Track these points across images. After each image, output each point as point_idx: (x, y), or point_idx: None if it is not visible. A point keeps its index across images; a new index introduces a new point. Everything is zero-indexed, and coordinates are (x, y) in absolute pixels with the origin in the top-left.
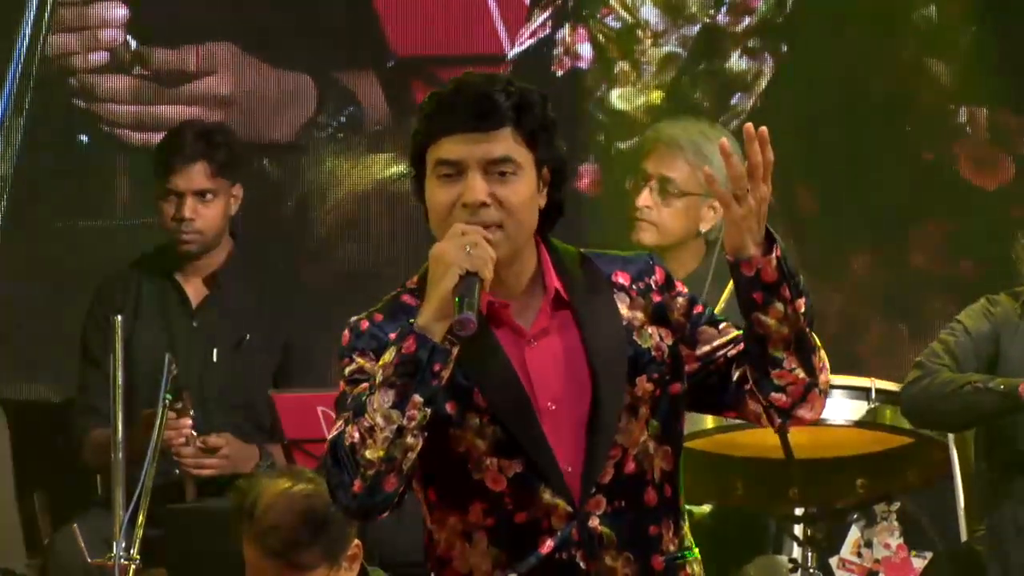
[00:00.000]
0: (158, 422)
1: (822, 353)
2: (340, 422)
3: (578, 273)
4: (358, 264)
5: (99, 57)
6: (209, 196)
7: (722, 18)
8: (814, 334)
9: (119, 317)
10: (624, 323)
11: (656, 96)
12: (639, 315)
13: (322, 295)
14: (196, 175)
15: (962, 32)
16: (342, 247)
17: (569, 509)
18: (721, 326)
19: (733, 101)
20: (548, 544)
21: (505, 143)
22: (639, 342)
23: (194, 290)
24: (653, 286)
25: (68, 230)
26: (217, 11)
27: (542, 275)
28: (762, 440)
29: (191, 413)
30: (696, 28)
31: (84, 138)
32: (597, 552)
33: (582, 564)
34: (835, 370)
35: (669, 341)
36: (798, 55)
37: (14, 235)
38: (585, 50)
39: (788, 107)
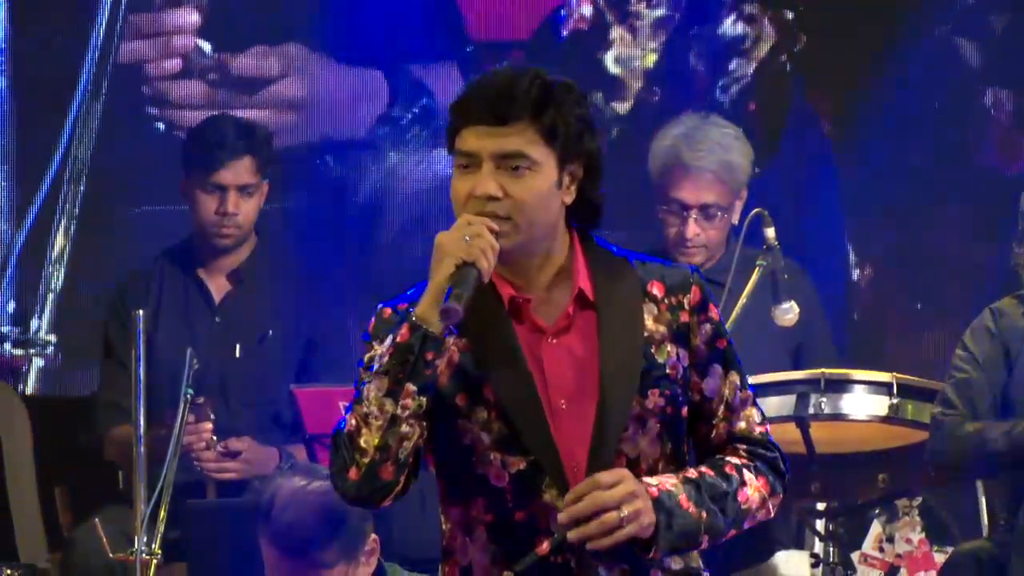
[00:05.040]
0: (180, 416)
1: (755, 491)
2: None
3: (613, 276)
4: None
5: (172, 64)
6: (251, 191)
7: None
8: (739, 505)
9: (141, 312)
10: (645, 334)
11: (650, 59)
12: (662, 329)
13: (357, 290)
14: (243, 170)
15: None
16: (409, 245)
17: None
18: (730, 376)
19: (731, 67)
20: (544, 546)
21: (519, 138)
22: (656, 356)
23: (216, 286)
24: (685, 304)
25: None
26: (287, 12)
27: (573, 273)
28: (783, 435)
29: (211, 417)
30: None
31: (160, 125)
32: (589, 560)
33: (576, 569)
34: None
35: (685, 363)
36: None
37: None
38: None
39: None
